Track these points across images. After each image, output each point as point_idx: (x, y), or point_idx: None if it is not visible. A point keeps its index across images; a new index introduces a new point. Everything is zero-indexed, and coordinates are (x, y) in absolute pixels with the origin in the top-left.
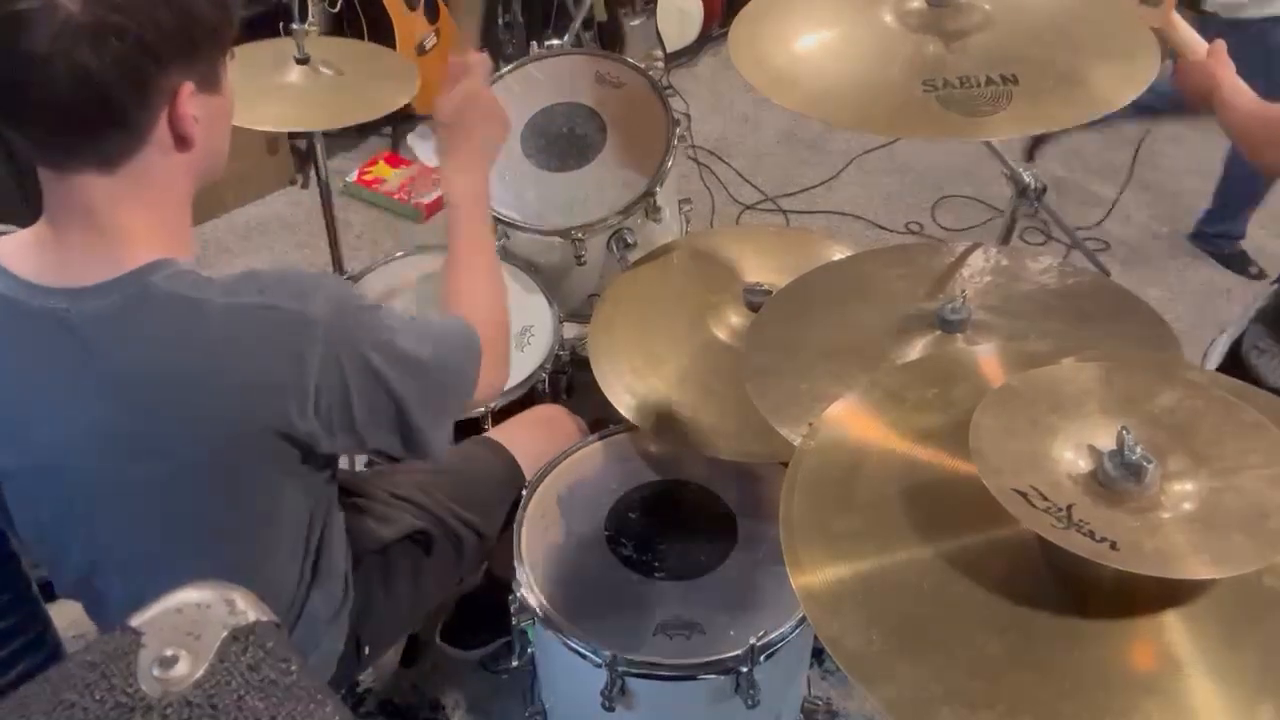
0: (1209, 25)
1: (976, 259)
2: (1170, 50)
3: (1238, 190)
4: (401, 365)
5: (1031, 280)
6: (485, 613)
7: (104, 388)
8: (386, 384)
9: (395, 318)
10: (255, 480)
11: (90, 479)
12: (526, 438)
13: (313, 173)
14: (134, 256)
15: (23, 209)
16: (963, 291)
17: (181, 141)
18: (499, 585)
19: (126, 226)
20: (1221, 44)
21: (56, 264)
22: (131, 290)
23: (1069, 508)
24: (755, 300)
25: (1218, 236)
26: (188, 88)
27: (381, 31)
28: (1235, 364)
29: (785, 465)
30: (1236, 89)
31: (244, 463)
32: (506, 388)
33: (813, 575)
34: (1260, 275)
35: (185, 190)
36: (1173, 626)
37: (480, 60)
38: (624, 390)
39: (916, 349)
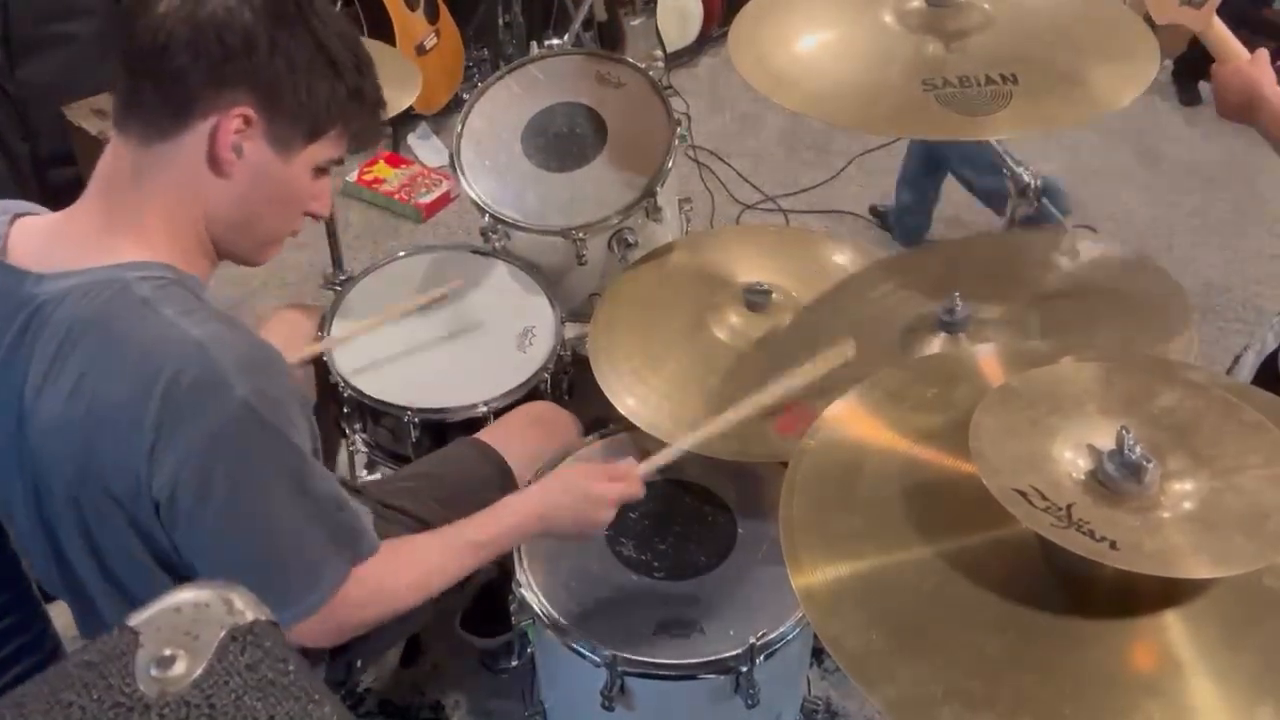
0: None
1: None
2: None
3: (924, 190)
4: (282, 506)
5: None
6: (503, 603)
7: (47, 368)
8: (257, 511)
9: (295, 485)
10: (113, 521)
11: (50, 471)
12: (518, 437)
13: None
14: (133, 251)
15: None
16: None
17: (215, 164)
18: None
19: (140, 214)
20: (1264, 52)
21: (59, 253)
22: (100, 277)
23: (1069, 507)
24: (755, 300)
25: (909, 227)
26: (245, 114)
27: (382, 31)
28: (1270, 380)
29: (785, 465)
30: (1277, 94)
31: (103, 498)
32: (509, 389)
33: (813, 575)
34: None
35: (203, 216)
36: (1173, 626)
37: (634, 481)
38: (624, 390)
39: (916, 349)
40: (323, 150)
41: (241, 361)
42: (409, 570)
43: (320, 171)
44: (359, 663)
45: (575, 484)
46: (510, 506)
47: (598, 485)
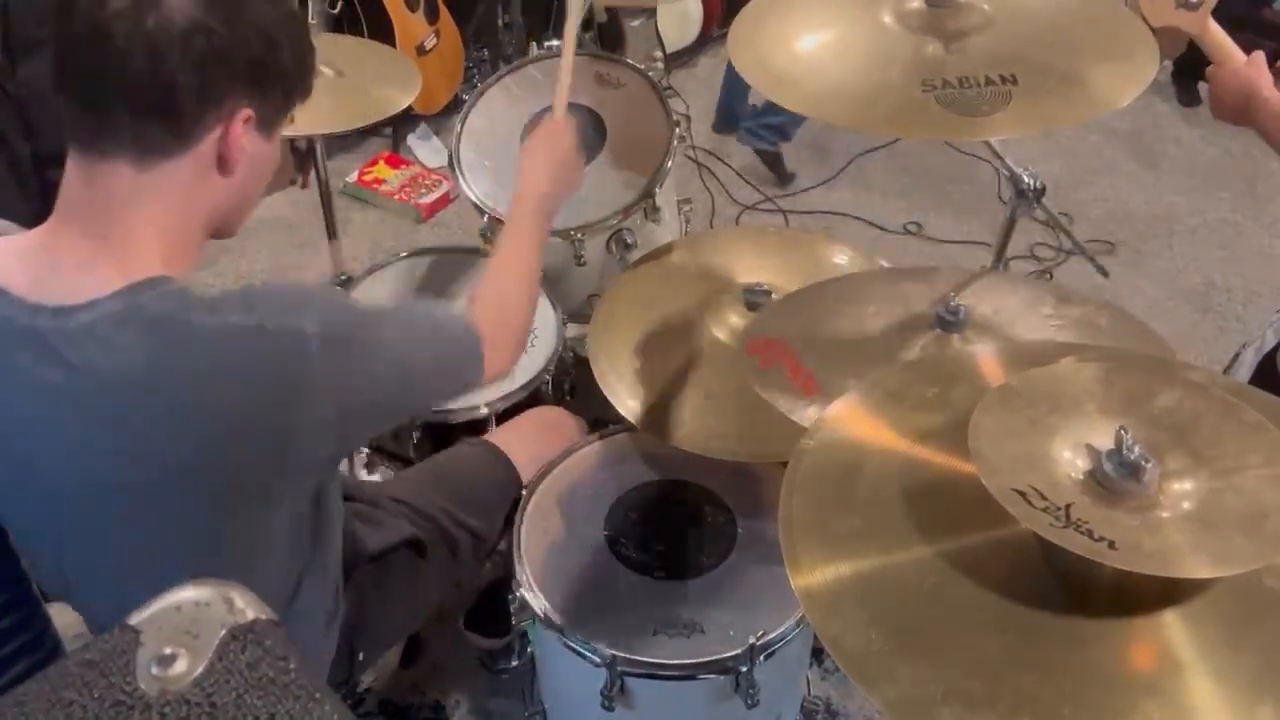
0: None
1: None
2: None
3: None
4: (399, 379)
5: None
6: (505, 602)
7: (84, 407)
8: (382, 398)
9: (390, 320)
10: (236, 506)
11: (68, 500)
12: (526, 441)
13: (313, 173)
14: (129, 271)
15: (23, 209)
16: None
17: (224, 165)
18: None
19: (134, 233)
20: (1261, 54)
21: (50, 278)
22: (117, 307)
23: (1068, 507)
24: (755, 300)
25: (768, 129)
26: (247, 114)
27: (382, 32)
28: (1269, 378)
29: (785, 465)
30: (1275, 96)
31: (226, 492)
32: (510, 390)
33: (812, 575)
34: (791, 179)
35: (203, 219)
36: (1172, 626)
37: (568, 124)
38: (624, 390)
39: (916, 349)
40: (289, 119)
41: (288, 309)
42: (493, 306)
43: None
44: (361, 655)
45: (540, 161)
46: (522, 220)
47: (550, 144)
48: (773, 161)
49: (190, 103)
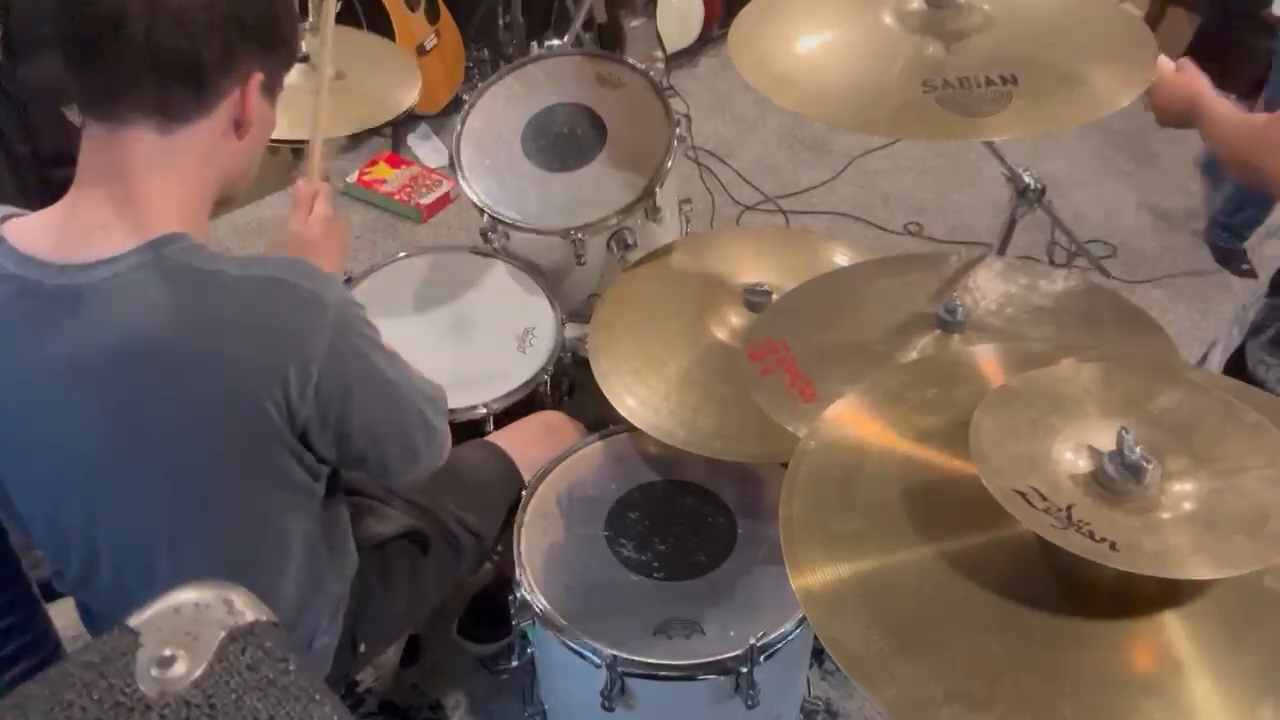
0: None
1: (979, 270)
2: None
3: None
4: (392, 366)
5: (1032, 291)
6: (499, 608)
7: (108, 361)
8: (383, 377)
9: (390, 352)
10: (258, 462)
11: (93, 460)
12: (527, 443)
13: None
14: (151, 227)
15: (21, 205)
16: (957, 295)
17: (239, 127)
18: (511, 582)
19: (155, 195)
20: (1188, 60)
21: (75, 240)
22: (145, 259)
23: (1069, 508)
24: (755, 300)
25: (1235, 225)
26: (259, 78)
27: (382, 32)
28: (1238, 375)
29: (785, 465)
30: (1216, 101)
31: (245, 443)
32: (508, 389)
33: (812, 576)
34: (1250, 273)
35: (216, 180)
36: (1173, 627)
37: (326, 188)
38: (624, 390)
39: (916, 349)
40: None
41: (310, 275)
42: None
43: None
44: (362, 647)
45: (283, 242)
46: None
47: (299, 228)
48: (1225, 257)
49: (213, 67)
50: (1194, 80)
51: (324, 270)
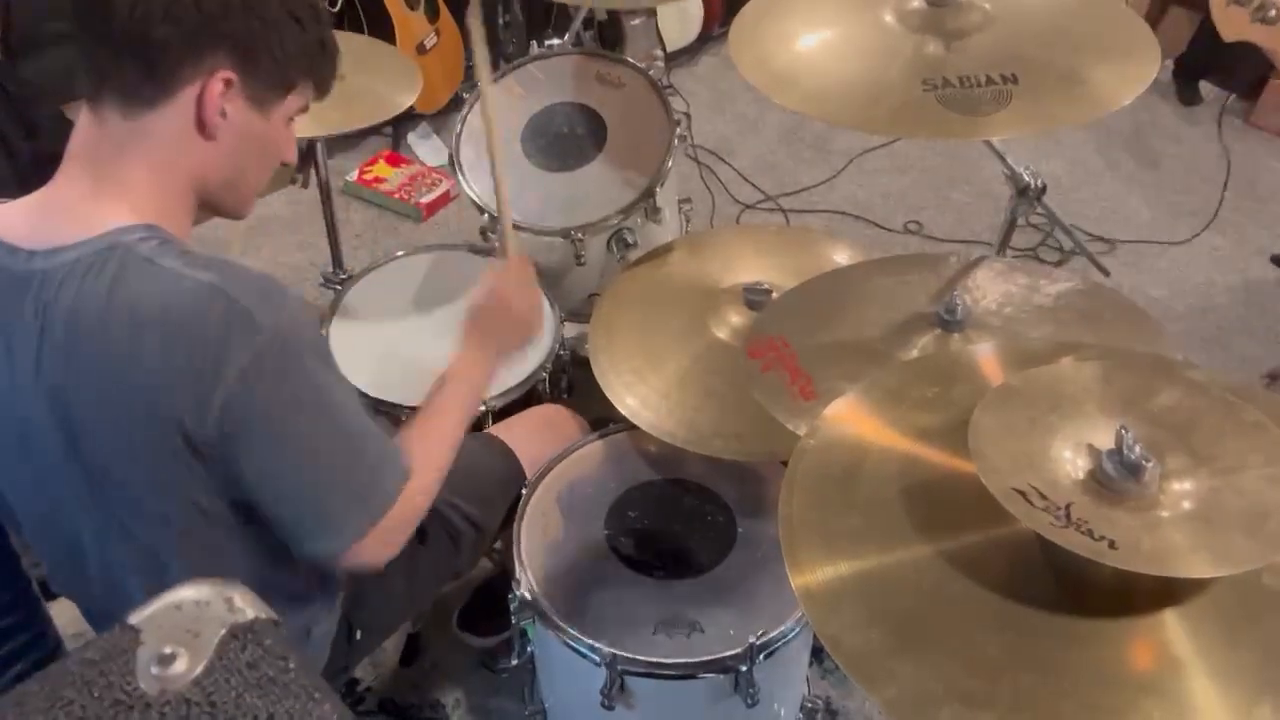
0: None
1: (979, 270)
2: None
3: None
4: (328, 424)
5: (1033, 291)
6: (500, 601)
7: (55, 346)
8: (302, 431)
9: (346, 388)
10: (171, 471)
11: (53, 452)
12: (528, 437)
13: (312, 172)
14: (121, 215)
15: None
16: (957, 295)
17: (201, 127)
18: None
19: (126, 180)
20: None
21: (46, 224)
22: (99, 246)
23: (1068, 507)
24: (755, 300)
25: None
26: (227, 76)
27: (382, 31)
28: None
29: (785, 465)
30: None
31: (155, 447)
32: (507, 387)
33: (812, 574)
34: None
35: (189, 180)
36: (1172, 626)
37: (519, 264)
38: (624, 389)
39: (916, 348)
40: (295, 102)
41: (259, 293)
42: (431, 464)
43: (289, 121)
44: (359, 635)
45: (500, 312)
46: (469, 368)
47: (517, 302)
48: None
49: (167, 51)
50: None
51: (483, 342)
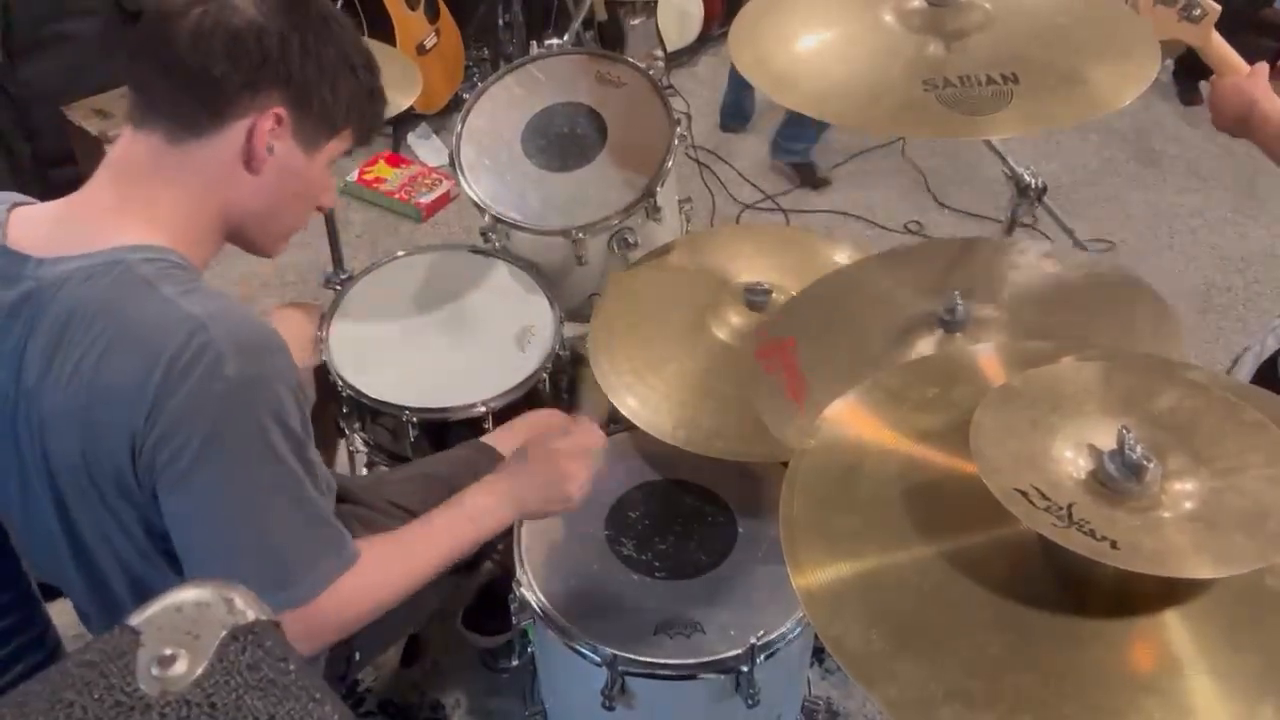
0: None
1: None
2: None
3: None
4: (269, 482)
5: (1035, 270)
6: (505, 601)
7: (38, 350)
8: (235, 483)
9: (310, 463)
10: (117, 489)
11: (33, 451)
12: (519, 443)
13: None
14: (136, 234)
15: None
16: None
17: (248, 160)
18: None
19: (153, 201)
20: (1264, 66)
21: (62, 235)
22: (103, 260)
23: (1069, 507)
24: (755, 300)
25: (791, 148)
26: (278, 112)
27: (382, 31)
28: (1269, 383)
29: (785, 465)
30: (1274, 109)
31: (104, 462)
32: (508, 388)
33: (813, 575)
34: (826, 181)
35: (221, 210)
36: (1173, 626)
37: (591, 433)
38: (624, 390)
39: (916, 349)
40: (339, 145)
41: (239, 341)
42: (389, 577)
43: (329, 165)
44: (357, 655)
45: (541, 464)
46: (482, 505)
47: (564, 462)
48: (807, 172)
49: (225, 87)
50: (1257, 86)
51: (510, 490)
